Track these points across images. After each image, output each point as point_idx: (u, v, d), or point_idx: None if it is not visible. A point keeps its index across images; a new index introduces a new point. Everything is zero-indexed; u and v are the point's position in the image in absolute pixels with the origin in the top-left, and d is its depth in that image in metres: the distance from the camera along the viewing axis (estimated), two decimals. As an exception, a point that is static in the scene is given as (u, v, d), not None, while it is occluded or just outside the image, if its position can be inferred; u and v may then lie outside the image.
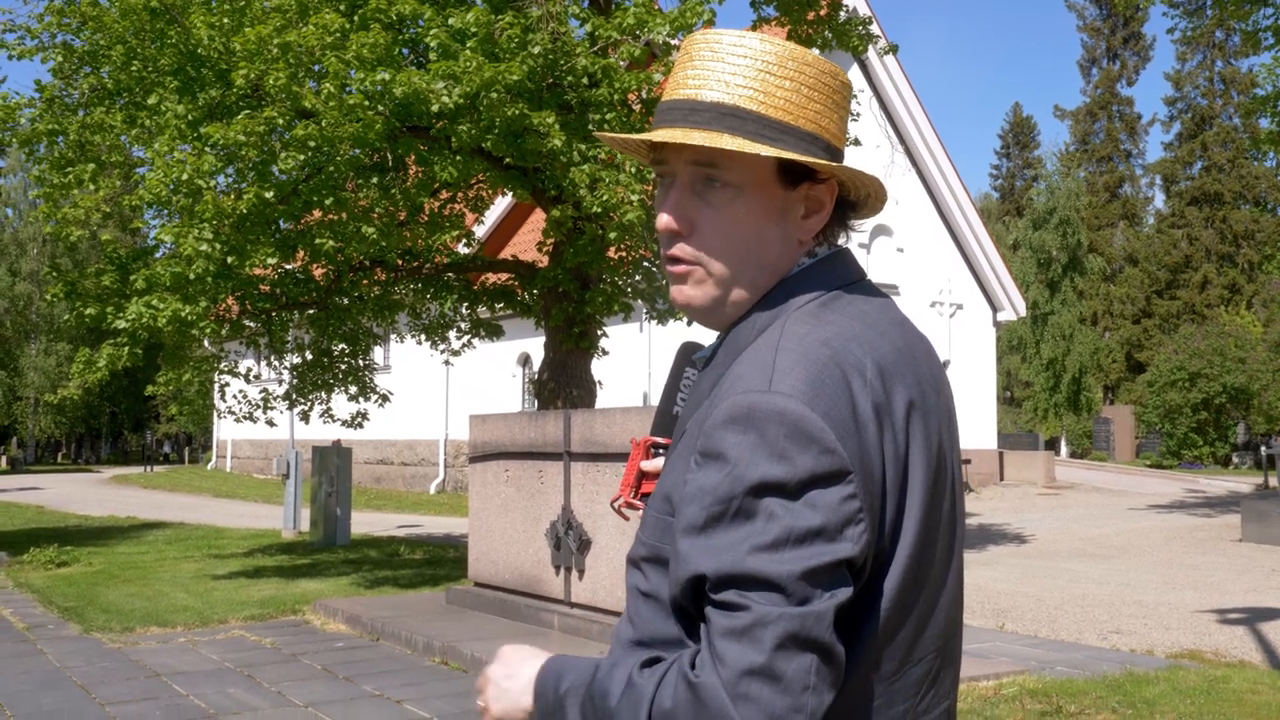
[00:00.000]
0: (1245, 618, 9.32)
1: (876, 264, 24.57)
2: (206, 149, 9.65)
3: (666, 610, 1.26)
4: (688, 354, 1.52)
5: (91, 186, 10.37)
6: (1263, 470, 29.66)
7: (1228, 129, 52.15)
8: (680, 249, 1.33)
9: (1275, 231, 44.67)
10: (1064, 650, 7.97)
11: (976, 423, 26.30)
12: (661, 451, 1.54)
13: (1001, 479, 27.32)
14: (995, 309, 27.30)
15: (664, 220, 1.32)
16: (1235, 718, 5.82)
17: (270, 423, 13.04)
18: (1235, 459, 39.63)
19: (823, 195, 1.34)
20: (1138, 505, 22.27)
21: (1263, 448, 30.25)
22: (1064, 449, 43.31)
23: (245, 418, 12.87)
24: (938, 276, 25.97)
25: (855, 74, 23.83)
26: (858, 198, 1.38)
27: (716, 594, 1.15)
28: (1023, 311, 28.82)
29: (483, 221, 19.73)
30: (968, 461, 25.42)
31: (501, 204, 23.61)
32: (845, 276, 1.36)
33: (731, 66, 1.30)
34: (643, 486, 1.57)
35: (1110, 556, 14.07)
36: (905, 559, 1.25)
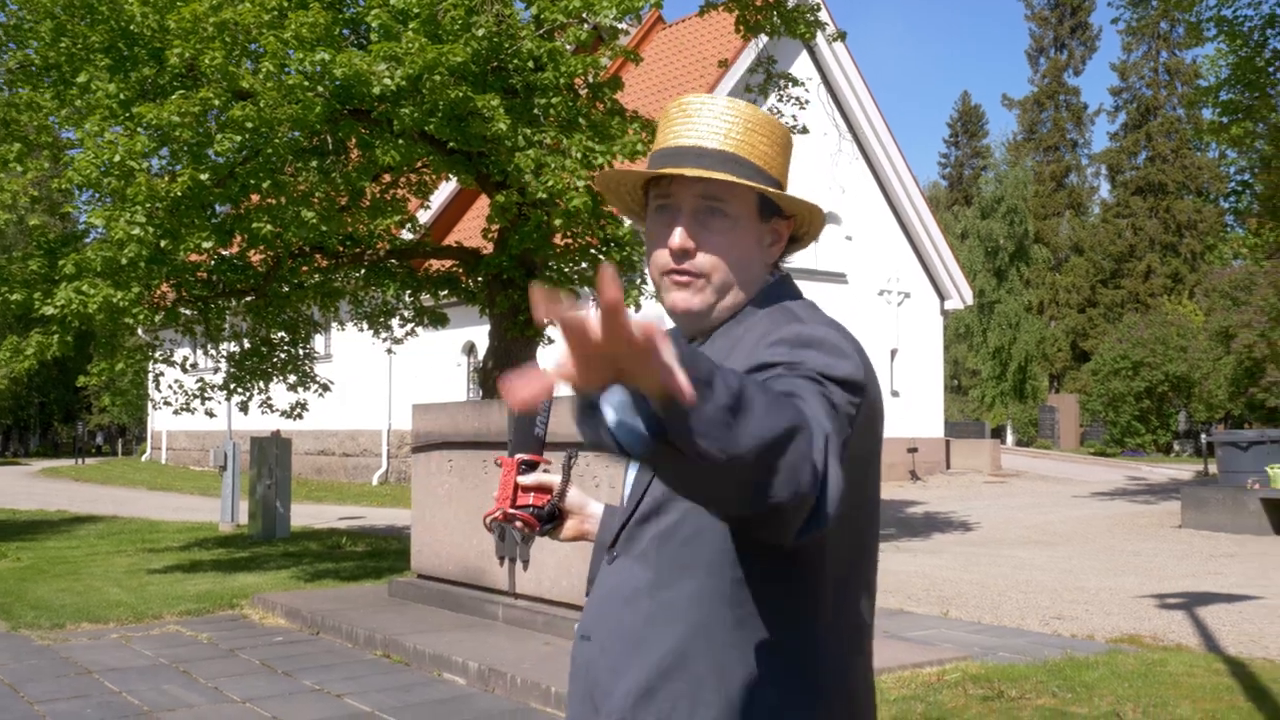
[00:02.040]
0: (1184, 602, 9.42)
1: (825, 252, 24.61)
2: (139, 130, 9.40)
3: (698, 545, 1.53)
4: None
5: (18, 168, 10.07)
6: (1203, 458, 30.16)
7: (1172, 119, 52.90)
8: (689, 264, 1.60)
9: (1217, 222, 45.33)
10: (1007, 636, 8.00)
11: (923, 411, 26.48)
12: (531, 468, 1.81)
13: (948, 467, 27.55)
14: (943, 297, 27.47)
15: (679, 239, 1.59)
16: (1171, 700, 5.86)
17: (209, 413, 12.79)
18: (1177, 447, 40.28)
19: (783, 229, 1.68)
20: (1081, 493, 22.54)
21: (1203, 435, 30.77)
22: (1010, 437, 43.84)
23: (181, 408, 12.59)
24: (886, 265, 26.08)
25: (804, 60, 23.81)
26: (800, 233, 1.71)
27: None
28: (970, 300, 29.03)
29: (427, 207, 19.54)
30: (914, 450, 25.58)
31: (446, 189, 23.37)
32: (797, 294, 1.68)
33: (726, 123, 1.62)
34: (519, 498, 1.80)
35: (1054, 543, 14.20)
36: (871, 506, 1.63)
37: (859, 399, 1.46)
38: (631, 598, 1.58)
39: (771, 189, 1.61)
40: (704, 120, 1.62)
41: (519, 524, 1.80)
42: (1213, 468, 25.09)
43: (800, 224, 1.69)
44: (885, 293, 26.08)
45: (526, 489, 1.80)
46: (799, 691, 1.51)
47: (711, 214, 1.60)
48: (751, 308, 1.63)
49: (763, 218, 1.64)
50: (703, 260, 1.60)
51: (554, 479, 1.84)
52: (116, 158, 9.08)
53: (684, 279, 1.61)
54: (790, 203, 1.64)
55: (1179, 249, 52.19)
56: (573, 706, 1.66)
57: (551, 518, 1.84)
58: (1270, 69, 18.30)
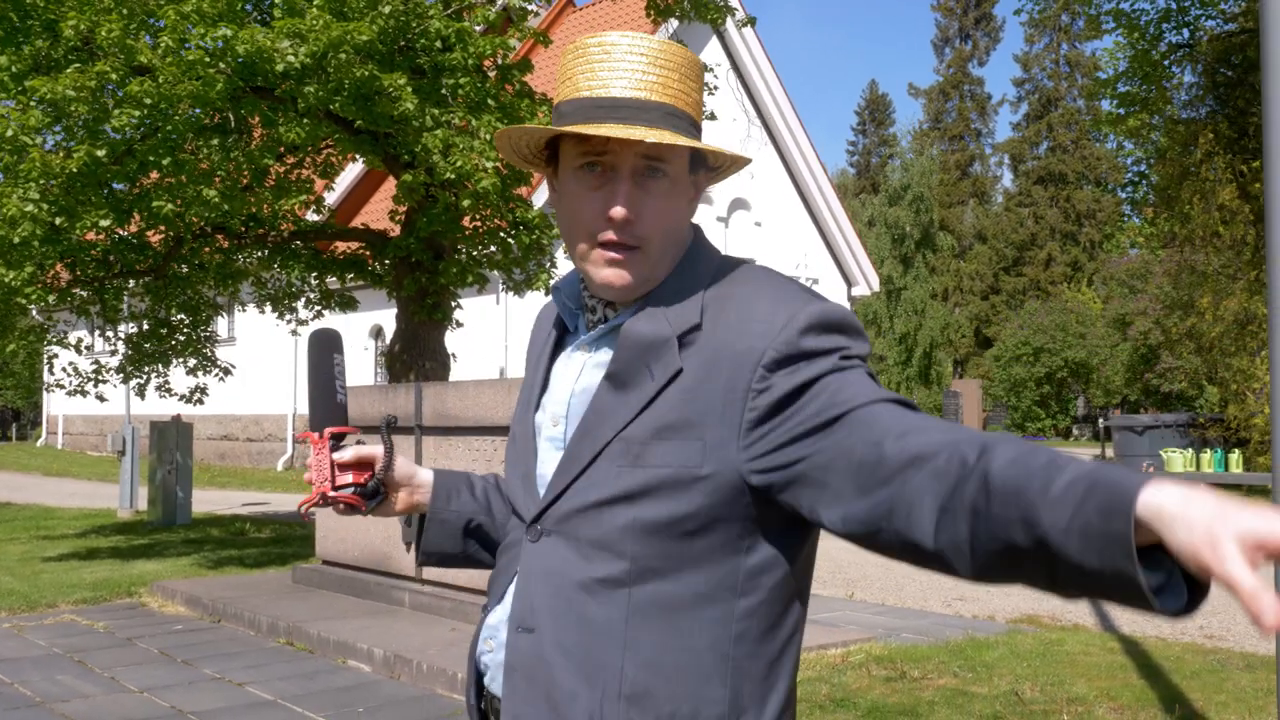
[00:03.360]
0: (1081, 582, 9.68)
1: (734, 238, 24.75)
2: (32, 104, 9.09)
3: (681, 531, 1.39)
4: (327, 344, 1.66)
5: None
6: (1100, 442, 31.02)
7: (1072, 110, 54.17)
8: (627, 235, 1.44)
9: (1115, 211, 46.55)
10: (910, 618, 8.15)
11: (831, 395, 26.75)
12: (345, 442, 1.62)
13: (855, 450, 27.92)
14: (850, 284, 27.81)
15: (623, 210, 1.42)
16: (1068, 678, 6.01)
17: (100, 397, 12.43)
18: (1075, 431, 41.41)
19: (703, 182, 1.53)
20: (983, 475, 23.01)
21: (1100, 420, 31.64)
22: (915, 421, 44.51)
23: (76, 391, 12.23)
24: (794, 251, 26.32)
25: (713, 46, 23.88)
26: (714, 181, 1.59)
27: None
28: (876, 287, 29.43)
29: (333, 188, 19.18)
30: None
31: (353, 171, 23.02)
32: (714, 250, 1.54)
33: (660, 71, 1.44)
34: (337, 477, 1.61)
35: (956, 525, 14.49)
36: None
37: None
38: (592, 588, 1.42)
39: (713, 147, 1.47)
40: (636, 66, 1.44)
41: (341, 506, 1.62)
42: (1110, 451, 25.81)
43: (718, 174, 1.57)
44: (794, 278, 26.34)
45: (345, 466, 1.61)
46: (782, 678, 1.46)
47: (651, 175, 1.44)
48: (676, 271, 1.49)
49: (691, 172, 1.50)
50: (641, 228, 1.44)
51: (374, 450, 1.64)
52: (9, 132, 8.78)
53: (620, 254, 1.45)
54: (725, 159, 1.51)
55: (1078, 238, 53.52)
56: (515, 704, 1.46)
57: (376, 493, 1.65)
58: (1165, 62, 18.82)
